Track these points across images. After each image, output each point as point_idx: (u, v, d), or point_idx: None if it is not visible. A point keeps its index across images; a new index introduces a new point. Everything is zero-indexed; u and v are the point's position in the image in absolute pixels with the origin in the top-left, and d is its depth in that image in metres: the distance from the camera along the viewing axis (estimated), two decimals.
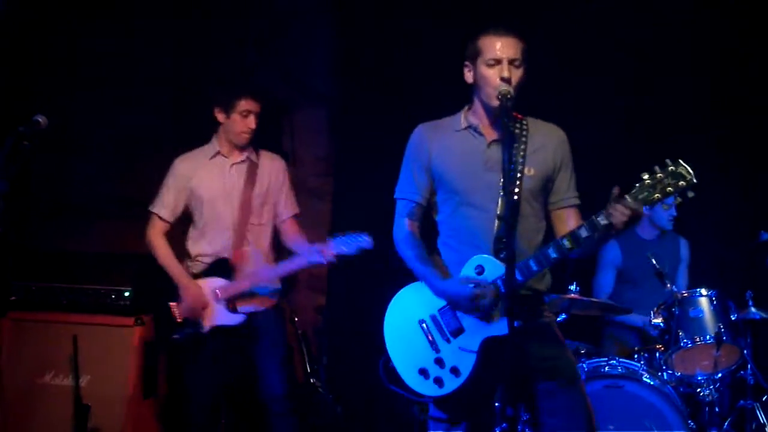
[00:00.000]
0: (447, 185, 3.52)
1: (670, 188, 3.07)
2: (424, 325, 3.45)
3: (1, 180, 3.35)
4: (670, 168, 3.07)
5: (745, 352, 5.07)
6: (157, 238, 4.87)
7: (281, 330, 4.89)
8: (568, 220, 3.50)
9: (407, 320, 3.49)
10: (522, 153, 3.45)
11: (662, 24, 6.02)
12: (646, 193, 3.10)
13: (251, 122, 4.72)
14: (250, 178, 4.78)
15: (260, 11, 6.51)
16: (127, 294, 5.42)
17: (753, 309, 5.10)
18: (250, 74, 6.38)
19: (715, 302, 5.07)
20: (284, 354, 4.89)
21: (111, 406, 5.12)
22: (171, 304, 4.77)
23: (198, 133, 6.19)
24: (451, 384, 3.37)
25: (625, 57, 6.06)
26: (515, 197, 3.38)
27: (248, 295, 4.74)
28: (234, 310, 4.70)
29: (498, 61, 3.37)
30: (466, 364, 3.34)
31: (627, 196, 3.12)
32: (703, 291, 5.11)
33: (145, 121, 6.35)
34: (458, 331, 3.38)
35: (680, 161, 3.07)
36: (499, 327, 3.28)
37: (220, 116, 4.75)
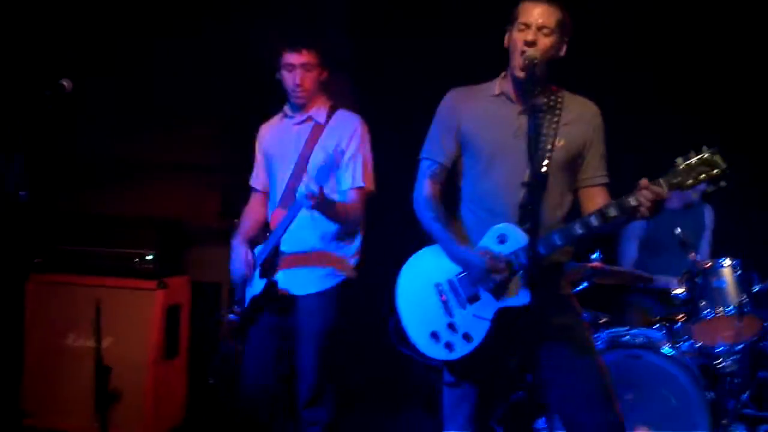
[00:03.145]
0: (474, 151, 3.49)
1: (703, 176, 3.05)
2: (440, 289, 3.43)
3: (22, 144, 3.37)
4: (704, 155, 3.05)
5: (766, 323, 5.04)
6: (244, 213, 4.60)
7: (328, 326, 4.26)
8: (595, 198, 3.45)
9: (422, 283, 3.47)
10: (554, 124, 3.41)
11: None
12: (679, 179, 3.07)
13: (296, 77, 4.30)
14: (311, 140, 4.35)
15: None
16: (150, 257, 5.47)
17: None
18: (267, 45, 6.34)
19: (738, 272, 5.01)
20: (325, 358, 4.24)
21: (132, 368, 5.20)
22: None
23: (221, 98, 6.27)
24: (462, 349, 3.35)
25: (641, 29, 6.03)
26: (543, 168, 3.35)
27: (281, 257, 4.27)
28: (264, 275, 4.27)
29: (527, 26, 3.35)
30: (479, 331, 3.32)
31: (660, 180, 3.09)
32: (727, 261, 5.05)
33: (172, 86, 6.36)
34: (474, 298, 3.36)
35: (715, 149, 3.05)
36: (516, 298, 3.27)
37: (277, 75, 4.40)
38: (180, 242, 5.88)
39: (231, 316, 4.43)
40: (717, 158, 3.03)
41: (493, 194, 3.43)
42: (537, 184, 3.24)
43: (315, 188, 3.81)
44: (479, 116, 3.49)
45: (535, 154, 3.22)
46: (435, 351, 3.39)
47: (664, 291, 5.41)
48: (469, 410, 3.48)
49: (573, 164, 3.46)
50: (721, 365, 4.94)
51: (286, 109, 4.50)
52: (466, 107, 3.52)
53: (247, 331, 4.38)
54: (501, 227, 3.33)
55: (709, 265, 5.07)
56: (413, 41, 6.24)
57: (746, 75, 6.00)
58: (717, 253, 5.63)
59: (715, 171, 3.03)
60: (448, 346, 3.37)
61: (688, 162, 3.06)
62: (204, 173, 6.38)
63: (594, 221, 3.21)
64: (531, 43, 3.32)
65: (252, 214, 4.59)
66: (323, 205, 3.97)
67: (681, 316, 5.09)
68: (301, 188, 3.85)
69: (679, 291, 5.11)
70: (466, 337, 3.34)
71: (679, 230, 5.13)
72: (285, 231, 4.18)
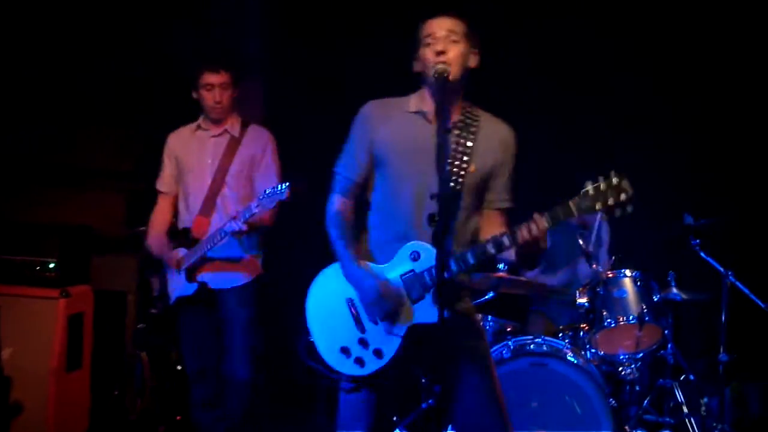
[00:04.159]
0: (387, 167, 3.46)
1: (611, 200, 3.08)
2: (351, 303, 3.40)
3: None
4: (612, 180, 3.08)
5: (666, 332, 5.19)
6: (155, 214, 4.94)
7: (250, 313, 4.83)
8: (492, 222, 3.48)
9: (334, 297, 3.44)
10: (468, 148, 3.41)
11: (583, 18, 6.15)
12: (588, 203, 3.11)
13: (216, 95, 4.76)
14: (228, 151, 4.81)
15: None
16: (52, 265, 5.35)
17: (675, 290, 5.21)
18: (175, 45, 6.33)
19: (638, 283, 5.17)
20: (250, 341, 4.82)
21: (34, 379, 5.07)
22: (151, 279, 4.93)
23: (130, 104, 6.20)
24: (373, 365, 3.33)
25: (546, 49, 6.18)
26: (458, 188, 3.37)
27: (206, 262, 4.69)
28: (191, 280, 4.69)
29: (434, 36, 3.35)
30: (390, 347, 3.31)
31: (570, 203, 3.14)
32: (628, 272, 5.20)
33: (81, 90, 6.26)
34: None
35: (622, 174, 3.09)
36: (426, 314, 3.27)
37: (194, 94, 4.82)
38: (83, 249, 5.75)
39: (152, 309, 4.94)
40: (624, 183, 3.08)
41: (403, 211, 3.42)
42: (446, 200, 3.21)
43: (243, 227, 4.42)
44: (394, 133, 3.46)
45: (443, 174, 3.17)
46: (345, 366, 3.37)
47: (563, 293, 5.54)
48: (368, 421, 3.46)
49: (483, 187, 3.48)
50: (623, 373, 5.09)
51: (201, 122, 4.90)
52: (381, 122, 3.49)
53: (178, 328, 4.87)
54: (414, 245, 3.33)
55: (610, 275, 5.22)
56: (328, 49, 6.28)
57: (636, 90, 6.22)
58: (617, 266, 5.78)
59: (622, 195, 3.07)
60: (359, 361, 3.34)
61: (596, 186, 3.10)
62: (109, 180, 6.28)
63: (506, 241, 3.21)
64: (440, 53, 3.32)
65: (162, 216, 4.94)
66: (250, 231, 4.56)
67: (584, 325, 5.21)
68: (232, 225, 4.44)
69: (581, 301, 5.24)
70: (377, 353, 3.33)
71: (582, 241, 5.25)
72: (214, 246, 4.60)
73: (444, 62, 3.31)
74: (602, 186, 3.10)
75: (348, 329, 3.39)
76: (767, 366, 5.81)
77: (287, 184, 4.32)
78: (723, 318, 5.13)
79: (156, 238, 4.85)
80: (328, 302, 3.45)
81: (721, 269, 5.20)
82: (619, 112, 6.19)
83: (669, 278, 5.26)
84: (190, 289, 4.68)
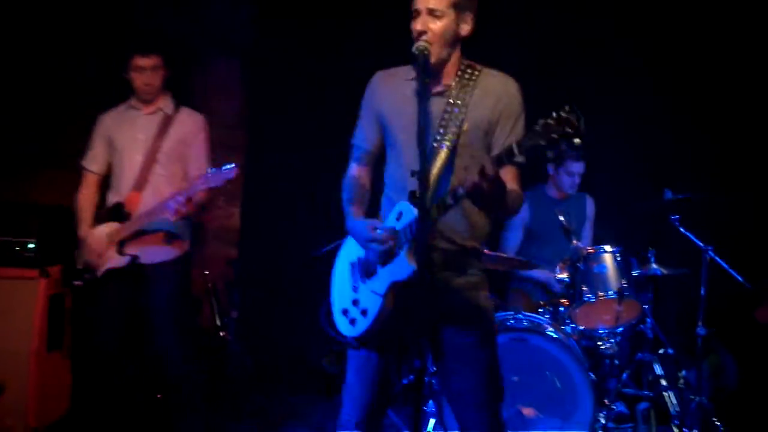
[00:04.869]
0: (388, 135, 3.50)
1: (555, 135, 2.82)
2: (351, 266, 3.53)
3: None
4: (560, 113, 2.81)
5: (645, 307, 5.23)
6: (81, 191, 5.00)
7: (177, 287, 4.95)
8: (506, 180, 3.28)
9: (343, 263, 3.59)
10: (464, 107, 3.36)
11: None
12: (531, 141, 2.89)
13: (147, 77, 4.87)
14: (161, 129, 4.90)
15: None
16: (31, 246, 5.33)
17: (654, 265, 5.23)
18: (159, 25, 6.30)
19: (618, 259, 5.20)
20: (178, 314, 4.93)
21: (15, 359, 5.05)
22: (76, 252, 4.91)
23: (110, 87, 6.17)
24: (361, 325, 3.39)
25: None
26: (451, 151, 3.32)
27: (138, 236, 4.78)
28: (121, 253, 4.74)
29: (417, 12, 3.31)
30: (374, 306, 3.35)
31: (512, 144, 2.95)
32: (608, 248, 5.23)
33: (55, 73, 6.23)
34: (371, 274, 3.40)
35: (572, 106, 2.82)
36: (403, 272, 3.24)
37: (127, 75, 4.91)
38: (63, 229, 5.73)
39: (75, 281, 4.92)
40: (571, 115, 2.81)
41: (400, 177, 3.43)
42: (425, 177, 3.14)
43: (184, 203, 4.50)
44: (394, 100, 3.47)
45: (423, 150, 3.09)
46: (344, 327, 3.49)
47: (541, 283, 5.58)
48: (371, 379, 3.49)
49: (483, 143, 3.40)
50: (602, 347, 5.13)
51: (132, 102, 5.00)
52: (385, 91, 3.51)
53: (97, 297, 4.89)
54: (399, 204, 3.35)
55: (590, 251, 5.24)
56: (313, 32, 6.27)
57: (616, 66, 6.23)
58: (597, 241, 5.82)
59: (567, 129, 2.80)
60: (353, 322, 3.44)
61: (544, 123, 2.85)
62: None
63: (461, 191, 3.14)
64: (421, 33, 3.27)
65: (90, 198, 5.01)
66: (190, 211, 4.63)
67: (564, 300, 5.24)
68: (177, 199, 4.50)
69: (561, 276, 5.27)
70: (364, 312, 3.40)
71: (562, 217, 5.26)
72: (153, 221, 4.72)
73: (424, 41, 3.26)
74: (549, 120, 2.83)
75: (347, 291, 3.51)
76: (744, 340, 5.87)
77: (233, 165, 4.44)
78: (702, 292, 5.16)
79: (81, 215, 4.93)
80: (339, 268, 3.61)
81: (701, 244, 5.22)
82: (600, 88, 6.19)
83: (649, 254, 5.26)
84: (121, 261, 4.74)
